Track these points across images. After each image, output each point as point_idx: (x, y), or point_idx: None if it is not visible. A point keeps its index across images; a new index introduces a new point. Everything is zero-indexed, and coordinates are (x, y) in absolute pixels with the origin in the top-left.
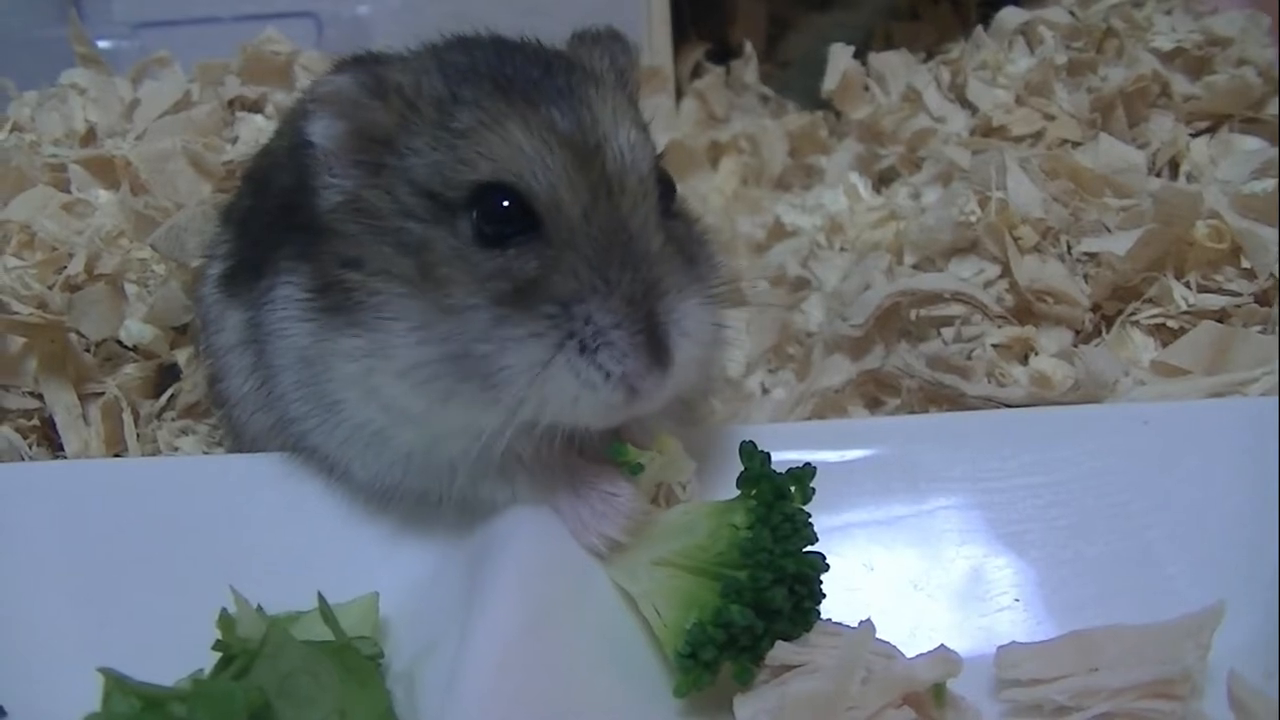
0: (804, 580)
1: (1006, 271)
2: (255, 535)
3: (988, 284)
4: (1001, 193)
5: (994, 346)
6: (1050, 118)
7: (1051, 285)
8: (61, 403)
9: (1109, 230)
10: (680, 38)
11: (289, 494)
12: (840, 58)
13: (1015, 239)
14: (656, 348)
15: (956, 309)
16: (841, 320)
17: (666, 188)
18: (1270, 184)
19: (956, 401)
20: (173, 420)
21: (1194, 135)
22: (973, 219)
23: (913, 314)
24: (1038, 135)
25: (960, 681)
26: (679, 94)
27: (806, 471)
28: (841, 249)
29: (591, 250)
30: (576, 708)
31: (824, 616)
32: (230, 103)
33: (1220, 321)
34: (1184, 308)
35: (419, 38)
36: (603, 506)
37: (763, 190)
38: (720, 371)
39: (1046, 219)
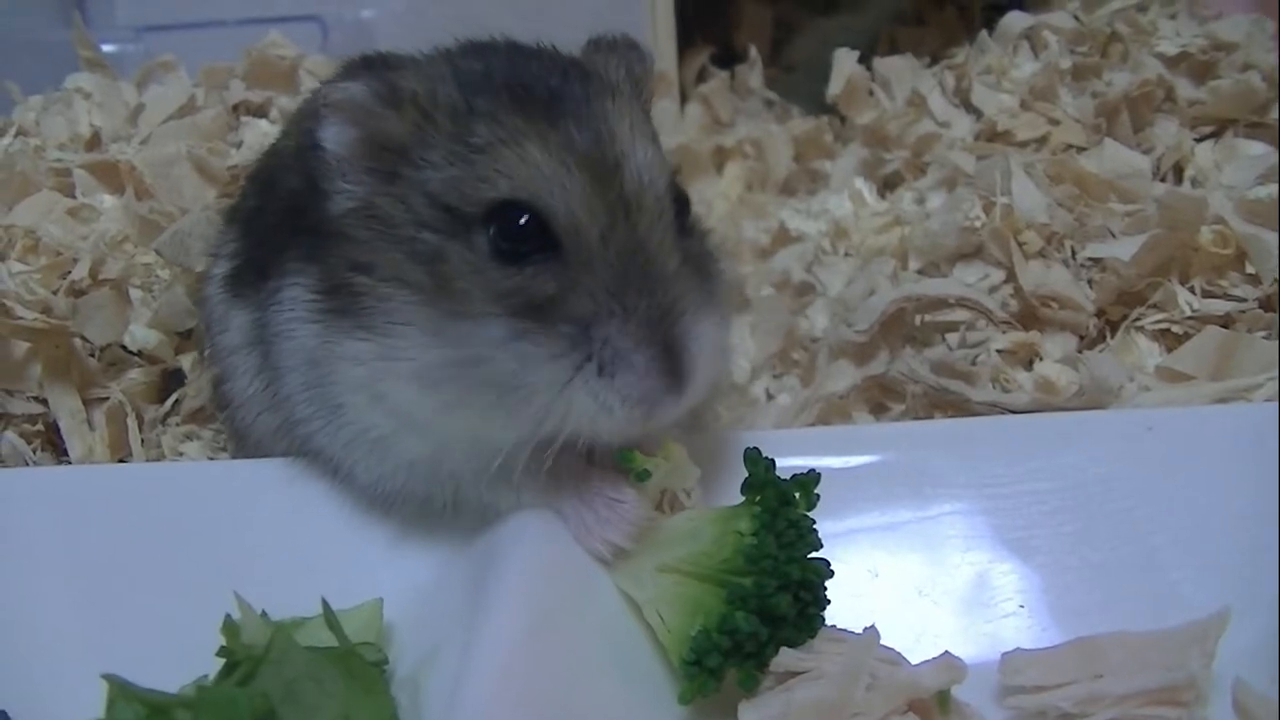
0: (809, 586)
1: (1011, 277)
2: (259, 540)
3: (992, 289)
4: (1006, 198)
5: (999, 352)
6: (1055, 122)
7: (1056, 291)
8: (66, 408)
9: (1114, 235)
10: (685, 42)
11: (293, 499)
12: (845, 62)
13: (1020, 244)
14: (674, 369)
15: (961, 314)
16: (846, 326)
17: (681, 204)
18: (1274, 189)
19: (961, 407)
20: (177, 425)
21: (1198, 140)
22: (977, 224)
23: (917, 319)
24: (1042, 140)
25: (965, 688)
26: (683, 98)
27: (811, 477)
28: (846, 254)
29: (609, 273)
30: (581, 714)
31: (829, 623)
32: (235, 107)
33: (1225, 327)
34: (1188, 313)
35: (423, 41)
36: (607, 513)
37: (767, 195)
38: (725, 378)
39: (1051, 224)
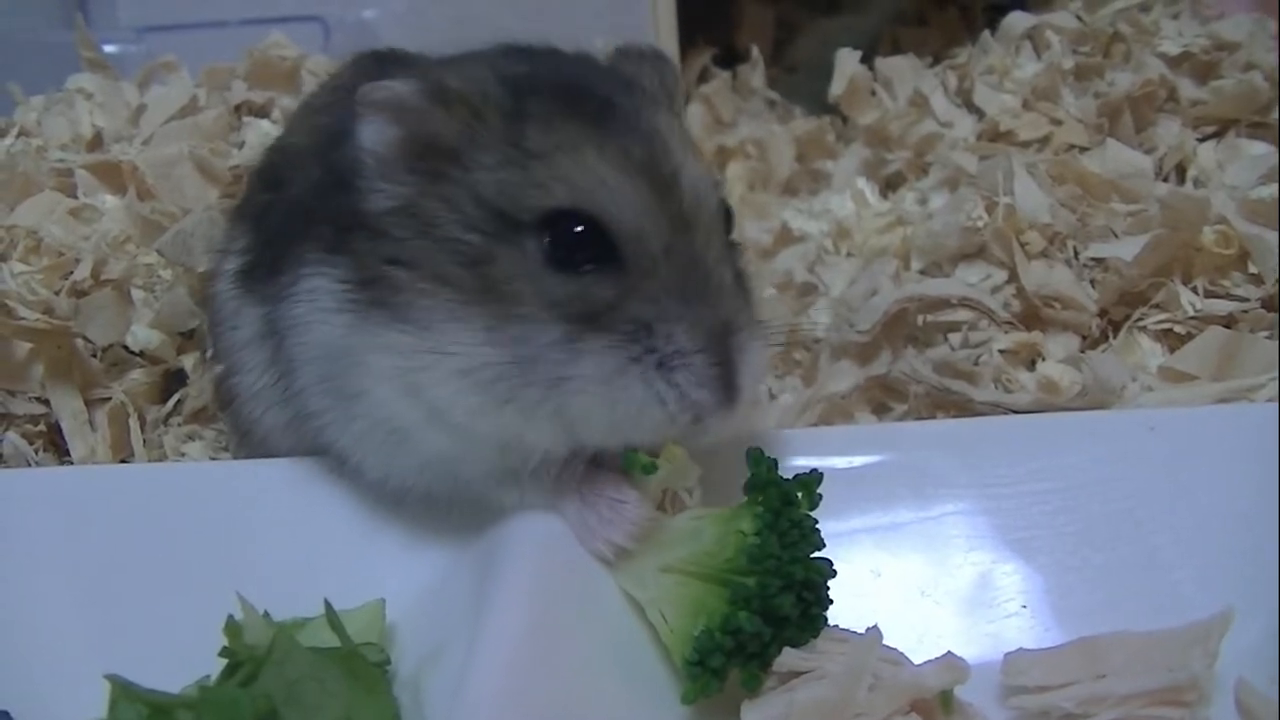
0: (811, 587)
1: (1013, 277)
2: (261, 541)
3: (995, 289)
4: (1008, 198)
5: (1001, 352)
6: (1057, 123)
7: (1058, 291)
8: (68, 408)
9: (1116, 236)
10: (686, 42)
11: (295, 500)
12: (847, 63)
13: (1022, 244)
14: (730, 384)
15: (963, 315)
16: (848, 326)
17: (728, 218)
18: (1276, 189)
19: (963, 407)
20: (179, 425)
21: (1201, 140)
22: (980, 224)
23: (920, 320)
24: (1044, 140)
25: (967, 688)
26: (685, 99)
27: (814, 477)
28: (848, 254)
29: (672, 282)
30: (583, 715)
31: (831, 623)
32: (237, 107)
33: (1227, 327)
34: (1191, 313)
35: (425, 41)
36: (610, 513)
37: (769, 195)
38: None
39: (1053, 224)
